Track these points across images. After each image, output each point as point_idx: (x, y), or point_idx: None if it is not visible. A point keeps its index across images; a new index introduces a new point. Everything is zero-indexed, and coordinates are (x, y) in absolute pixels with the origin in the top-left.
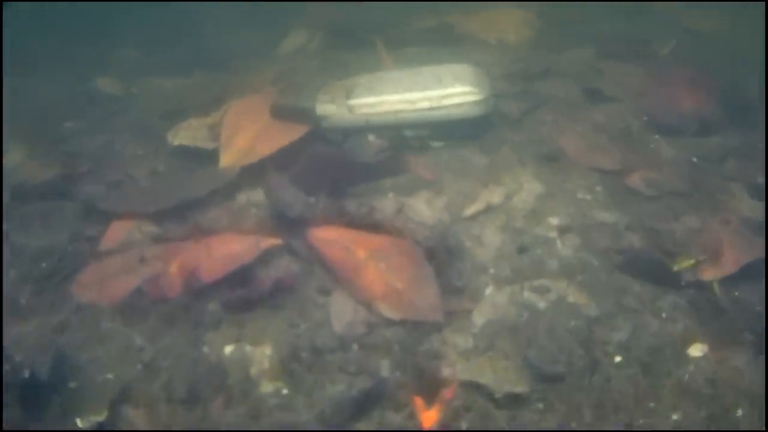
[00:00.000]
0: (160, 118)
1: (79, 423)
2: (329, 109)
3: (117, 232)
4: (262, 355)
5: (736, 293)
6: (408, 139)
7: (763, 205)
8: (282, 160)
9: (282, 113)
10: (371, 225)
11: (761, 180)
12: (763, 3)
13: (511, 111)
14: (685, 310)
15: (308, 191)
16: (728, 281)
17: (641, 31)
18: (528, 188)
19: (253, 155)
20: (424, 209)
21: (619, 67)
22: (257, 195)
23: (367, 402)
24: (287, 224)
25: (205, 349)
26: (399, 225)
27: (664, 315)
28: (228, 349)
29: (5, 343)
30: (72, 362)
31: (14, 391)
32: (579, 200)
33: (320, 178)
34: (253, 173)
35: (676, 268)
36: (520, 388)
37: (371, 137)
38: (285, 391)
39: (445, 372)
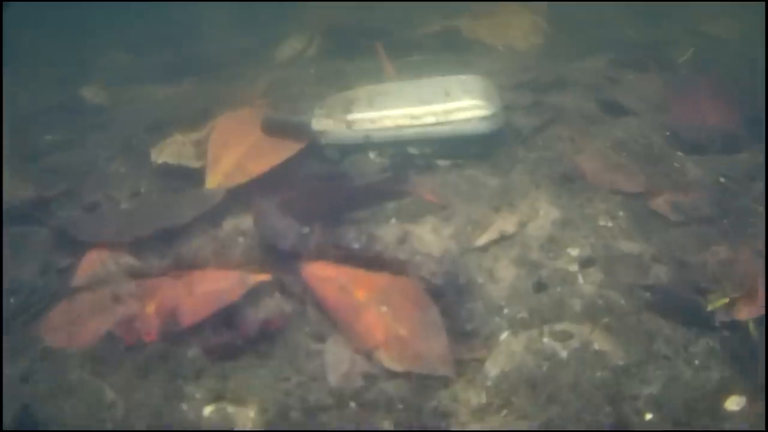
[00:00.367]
0: (146, 131)
1: None
2: (326, 124)
3: (91, 263)
4: (246, 418)
5: None
6: (412, 157)
7: None
8: (274, 180)
9: (274, 129)
10: (372, 259)
11: None
12: (763, 3)
13: (523, 126)
14: (720, 355)
15: (302, 218)
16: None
17: (657, 36)
18: (544, 214)
19: (242, 175)
20: (431, 238)
21: (636, 77)
22: (246, 221)
23: None
24: (278, 257)
25: (184, 406)
26: (403, 258)
27: (697, 362)
28: (208, 410)
29: None
30: (36, 419)
31: None
32: (600, 228)
33: (315, 202)
34: (241, 195)
35: (710, 307)
36: None
37: (372, 155)
38: None
39: None
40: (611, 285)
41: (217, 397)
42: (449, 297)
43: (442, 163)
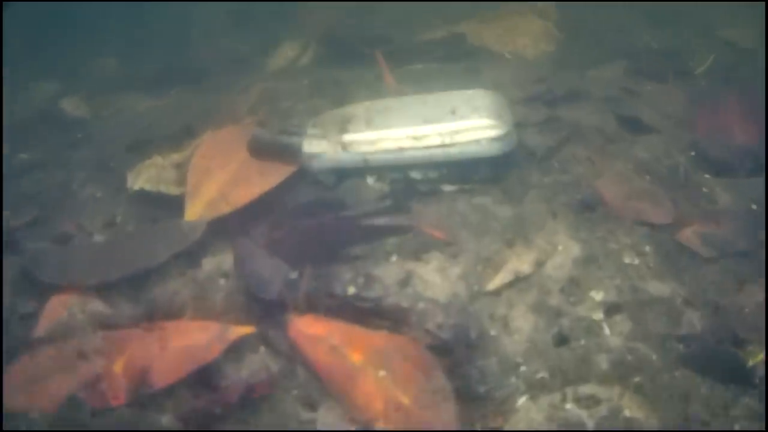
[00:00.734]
0: (126, 149)
1: None
2: (319, 146)
3: (56, 310)
4: None
5: None
6: (415, 182)
7: None
8: (261, 209)
9: (262, 151)
10: (369, 310)
11: None
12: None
13: (537, 145)
14: (763, 418)
15: (290, 257)
16: None
17: (672, 41)
18: (563, 250)
19: (225, 205)
20: (436, 280)
21: (655, 89)
22: (228, 259)
23: None
24: (263, 305)
25: None
26: (405, 305)
27: (737, 427)
28: None
29: None
30: None
31: None
32: (626, 266)
33: (305, 241)
34: (224, 227)
35: (750, 363)
36: None
37: (370, 180)
38: None
39: None
40: (641, 336)
41: None
42: (458, 353)
43: (447, 188)
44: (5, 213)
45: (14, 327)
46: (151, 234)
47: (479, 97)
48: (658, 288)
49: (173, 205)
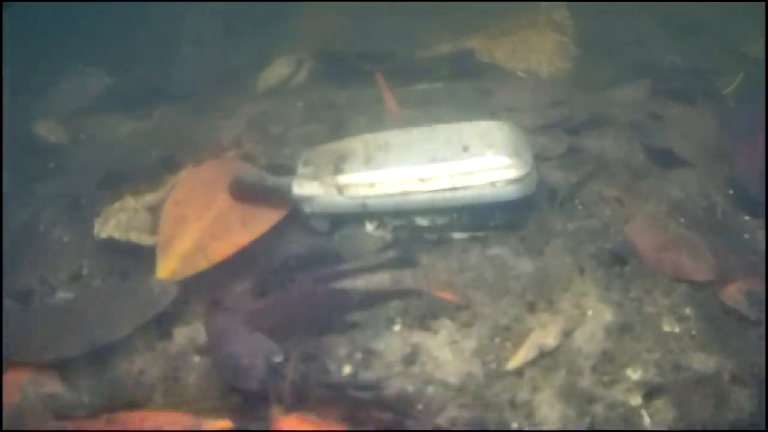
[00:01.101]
0: (98, 185)
1: None
2: (311, 188)
3: (10, 391)
4: None
5: None
6: (421, 230)
7: None
8: (243, 263)
9: (245, 194)
10: (369, 402)
11: None
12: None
13: (558, 183)
14: None
15: (275, 331)
16: None
17: (694, 54)
18: (593, 315)
19: (202, 260)
20: (447, 356)
21: (683, 113)
22: (204, 329)
23: None
24: (242, 395)
25: None
26: (411, 389)
27: None
28: None
29: None
30: None
31: None
32: (665, 336)
33: (293, 308)
34: (200, 286)
35: None
36: None
37: (370, 227)
38: None
39: None
40: (685, 424)
41: None
42: None
43: (458, 235)
44: None
45: None
46: (117, 297)
47: (494, 130)
48: (702, 362)
49: (146, 254)
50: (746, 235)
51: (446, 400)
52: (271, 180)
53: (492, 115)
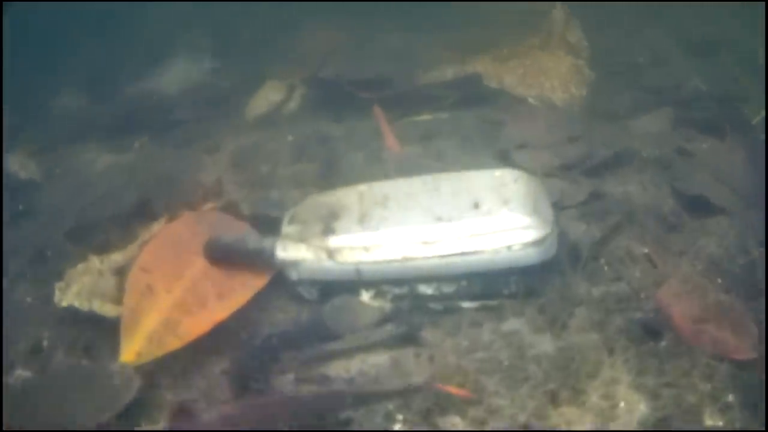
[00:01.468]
0: (65, 236)
1: None
2: (298, 251)
3: None
4: None
5: None
6: (424, 299)
7: None
8: (219, 342)
9: (223, 257)
10: None
11: None
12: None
13: (580, 238)
14: None
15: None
16: None
17: (716, 76)
18: (626, 408)
19: (172, 341)
20: None
21: (712, 148)
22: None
23: None
24: None
25: None
26: None
27: None
28: None
29: None
30: None
31: None
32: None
33: (272, 410)
34: (170, 369)
35: None
36: None
37: (366, 296)
38: None
39: None
40: None
41: None
42: None
43: (467, 305)
44: None
45: None
46: (76, 385)
47: (509, 181)
48: None
49: (111, 326)
50: None
51: None
52: (252, 242)
53: (502, 154)
